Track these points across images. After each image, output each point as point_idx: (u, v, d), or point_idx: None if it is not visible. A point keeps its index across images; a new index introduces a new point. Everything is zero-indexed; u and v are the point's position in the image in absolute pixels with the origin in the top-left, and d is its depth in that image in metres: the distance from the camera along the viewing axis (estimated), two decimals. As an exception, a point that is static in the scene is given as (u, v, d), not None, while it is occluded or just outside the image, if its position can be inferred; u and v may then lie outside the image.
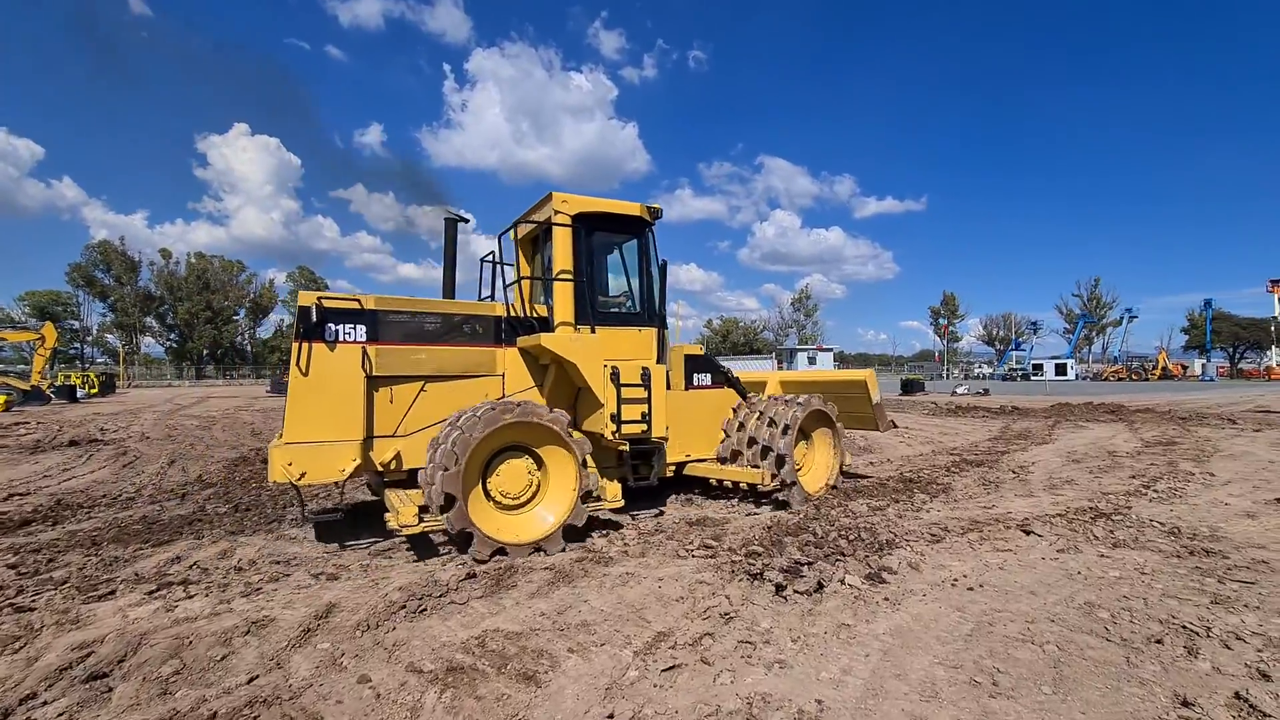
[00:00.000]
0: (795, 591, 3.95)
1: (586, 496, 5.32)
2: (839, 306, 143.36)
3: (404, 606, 3.69)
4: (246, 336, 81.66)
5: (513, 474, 5.21)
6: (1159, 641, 3.23)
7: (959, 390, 32.08)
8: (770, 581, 4.07)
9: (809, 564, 4.43)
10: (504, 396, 5.90)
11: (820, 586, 4.02)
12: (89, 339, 72.21)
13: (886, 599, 3.89)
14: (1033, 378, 56.40)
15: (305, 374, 5.01)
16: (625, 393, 5.89)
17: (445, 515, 4.69)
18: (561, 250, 6.07)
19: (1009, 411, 19.18)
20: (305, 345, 5.03)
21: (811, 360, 43.24)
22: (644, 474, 6.26)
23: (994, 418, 17.50)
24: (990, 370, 68.69)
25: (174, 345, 74.12)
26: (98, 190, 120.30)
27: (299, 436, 4.96)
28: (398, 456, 5.33)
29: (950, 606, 3.77)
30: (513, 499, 5.20)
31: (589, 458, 5.43)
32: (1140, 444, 11.40)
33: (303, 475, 4.92)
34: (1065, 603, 3.81)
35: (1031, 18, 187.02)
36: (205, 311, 72.78)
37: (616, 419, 5.83)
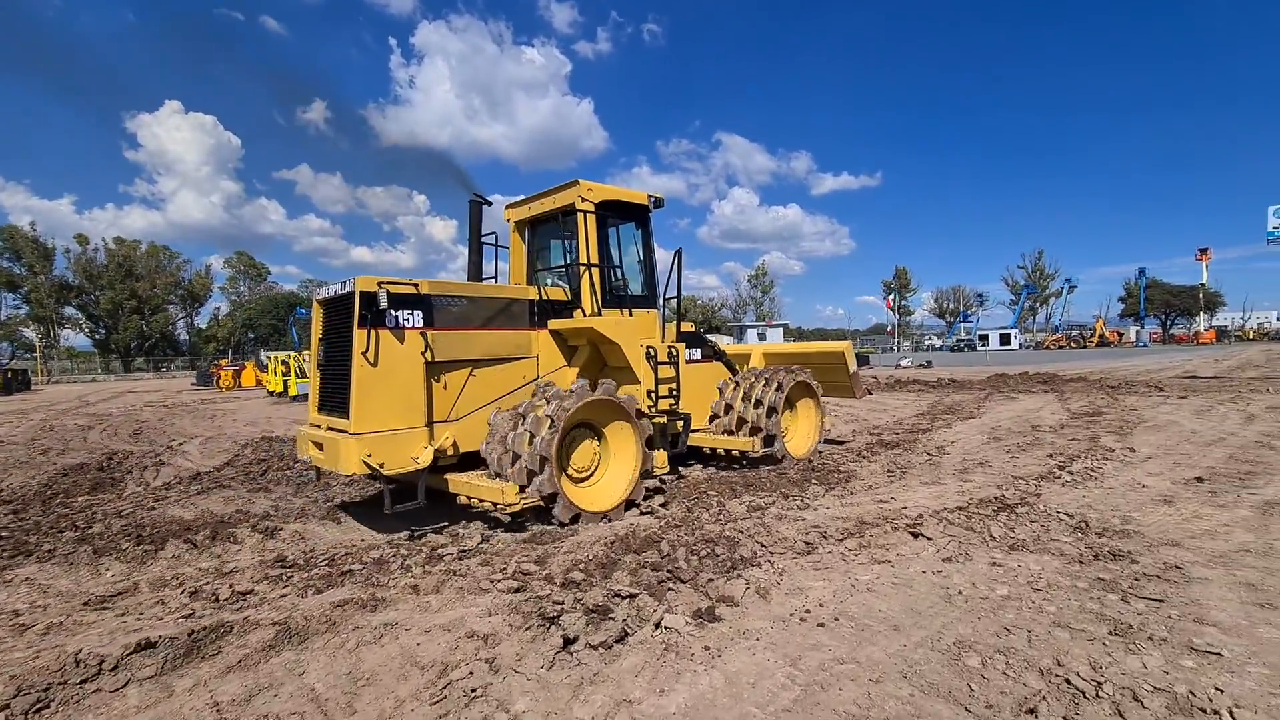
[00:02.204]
0: (589, 645, 2.98)
1: (647, 473, 5.77)
2: (798, 283, 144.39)
3: (6, 708, 2.58)
4: (181, 325, 77.04)
5: (582, 450, 5.53)
6: (1032, 711, 2.38)
7: (903, 363, 32.01)
8: (562, 631, 3.10)
9: (630, 597, 3.48)
10: (539, 377, 6.10)
11: (624, 635, 3.07)
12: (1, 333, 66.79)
13: (707, 649, 2.97)
14: (979, 348, 57.33)
15: (375, 364, 4.84)
16: (660, 371, 6.39)
17: (535, 480, 4.86)
18: (588, 237, 6.21)
19: (945, 384, 18.83)
20: (373, 333, 4.83)
21: (761, 336, 42.79)
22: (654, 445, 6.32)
23: (929, 391, 17.06)
24: (940, 342, 69.77)
25: (100, 337, 69.23)
26: (18, 174, 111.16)
27: (371, 426, 4.83)
28: (453, 441, 5.33)
29: (783, 658, 2.87)
30: (580, 472, 5.51)
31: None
32: (1066, 416, 10.94)
33: (381, 465, 4.79)
34: (931, 643, 2.95)
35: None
36: (130, 300, 68.08)
37: (653, 395, 6.30)
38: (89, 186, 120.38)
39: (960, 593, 3.52)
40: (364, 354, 4.78)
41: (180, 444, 12.72)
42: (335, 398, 5.18)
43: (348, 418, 4.82)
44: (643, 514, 5.52)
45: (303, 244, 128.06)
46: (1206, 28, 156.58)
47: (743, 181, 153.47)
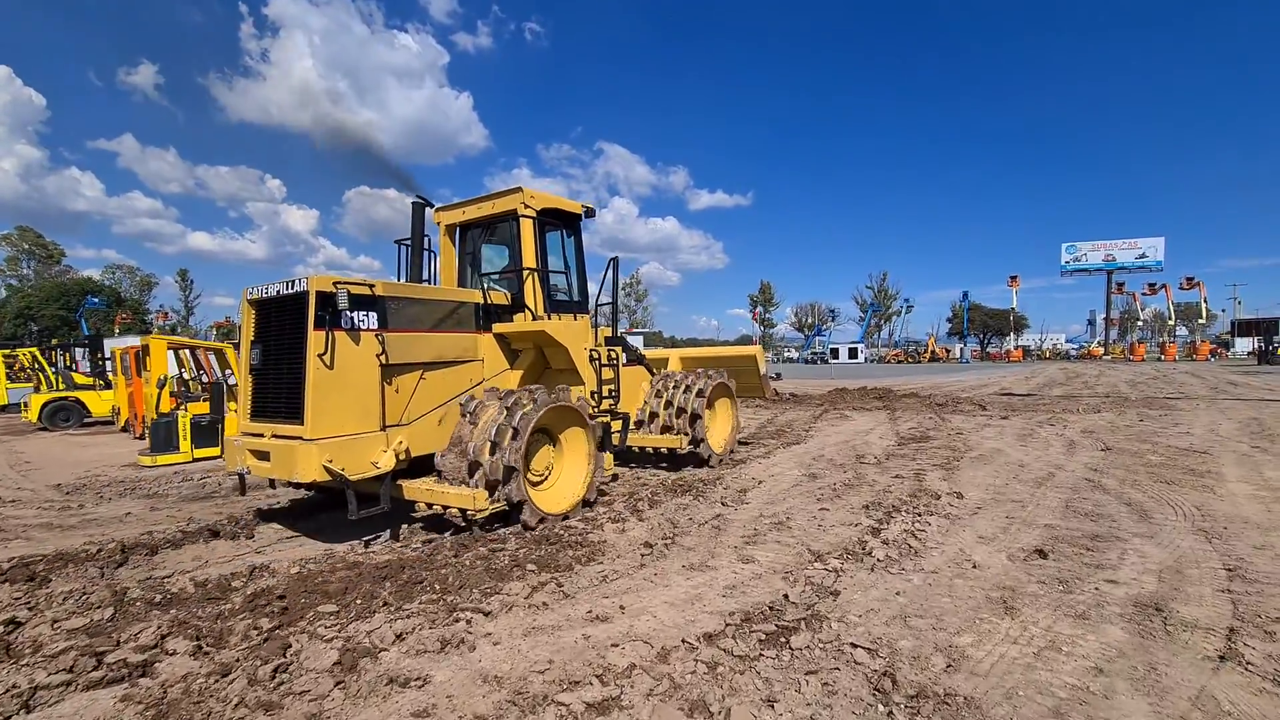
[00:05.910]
0: None
1: (597, 469, 5.83)
2: (675, 293, 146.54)
3: None
4: (-84, 312, 60.70)
5: (540, 455, 5.58)
6: None
7: (756, 375, 31.60)
8: None
9: None
10: (484, 380, 6.03)
11: None
12: None
13: None
14: (830, 360, 60.44)
15: (331, 367, 4.57)
16: (603, 373, 6.66)
17: (503, 489, 4.85)
18: (529, 244, 6.27)
19: (784, 399, 17.81)
20: (329, 335, 4.57)
21: (621, 344, 41.24)
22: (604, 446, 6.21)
23: (765, 407, 15.80)
24: (798, 354, 72.81)
25: None
26: None
27: (329, 431, 4.58)
28: (405, 447, 5.08)
29: None
30: (537, 476, 5.55)
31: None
32: (894, 441, 9.72)
33: (344, 470, 4.54)
34: None
35: (850, 30, 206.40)
36: None
37: (597, 396, 6.53)
38: None
39: None
40: (321, 356, 4.53)
41: None
42: (281, 403, 4.84)
43: (301, 423, 4.56)
44: (118, 686, 2.84)
45: (127, 225, 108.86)
46: (1010, 75, 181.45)
47: (623, 191, 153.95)
